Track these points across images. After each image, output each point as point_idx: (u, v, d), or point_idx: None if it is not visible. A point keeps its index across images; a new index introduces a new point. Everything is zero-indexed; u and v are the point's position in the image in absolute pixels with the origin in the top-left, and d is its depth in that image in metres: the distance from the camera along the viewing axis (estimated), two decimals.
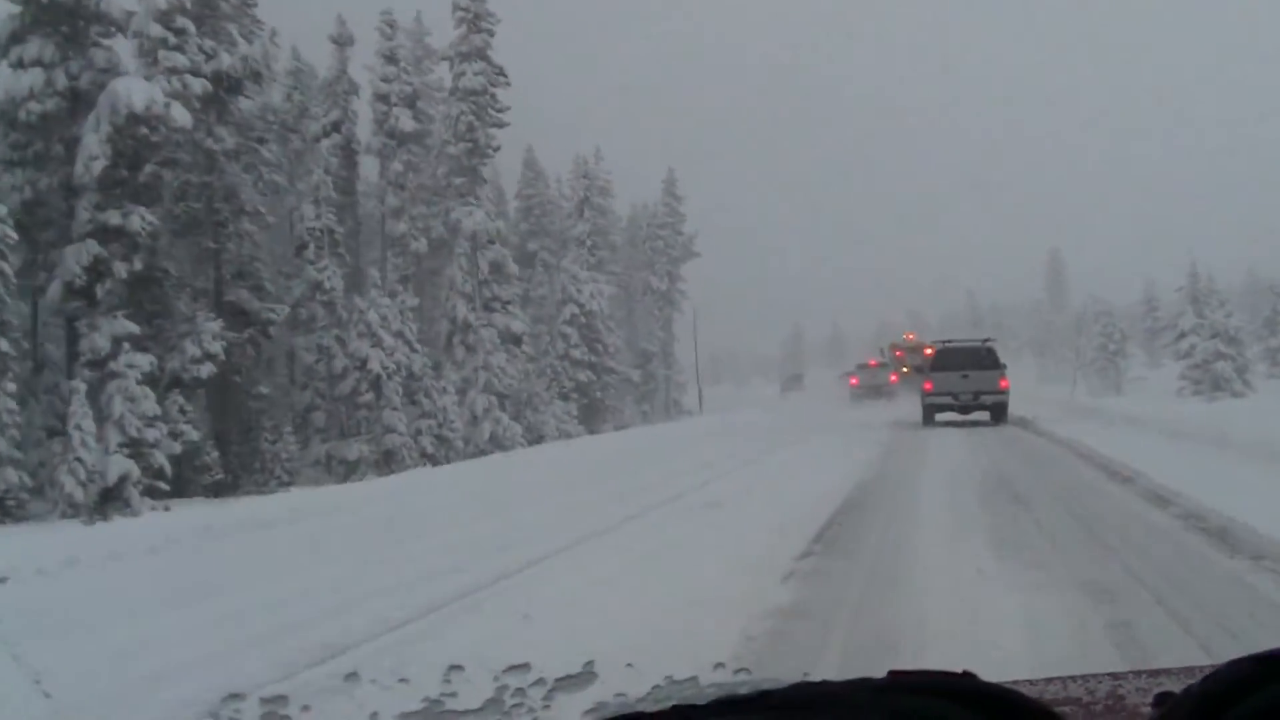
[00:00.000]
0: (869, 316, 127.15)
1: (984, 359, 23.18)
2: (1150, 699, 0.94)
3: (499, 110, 32.13)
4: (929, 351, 43.79)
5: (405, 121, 31.57)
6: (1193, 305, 34.56)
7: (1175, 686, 0.88)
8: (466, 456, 27.52)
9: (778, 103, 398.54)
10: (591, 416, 41.85)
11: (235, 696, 1.32)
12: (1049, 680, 1.12)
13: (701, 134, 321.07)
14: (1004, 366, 23.32)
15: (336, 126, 32.82)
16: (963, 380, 22.96)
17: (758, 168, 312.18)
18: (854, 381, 47.54)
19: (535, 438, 33.33)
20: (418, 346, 28.15)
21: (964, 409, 23.13)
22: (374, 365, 25.46)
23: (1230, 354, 29.25)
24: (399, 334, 27.86)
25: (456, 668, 1.34)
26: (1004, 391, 22.76)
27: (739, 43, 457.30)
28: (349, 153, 33.19)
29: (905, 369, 44.87)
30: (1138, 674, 1.12)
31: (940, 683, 0.75)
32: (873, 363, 48.45)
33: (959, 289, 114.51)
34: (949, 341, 25.68)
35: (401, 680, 1.85)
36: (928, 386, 24.05)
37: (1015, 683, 0.92)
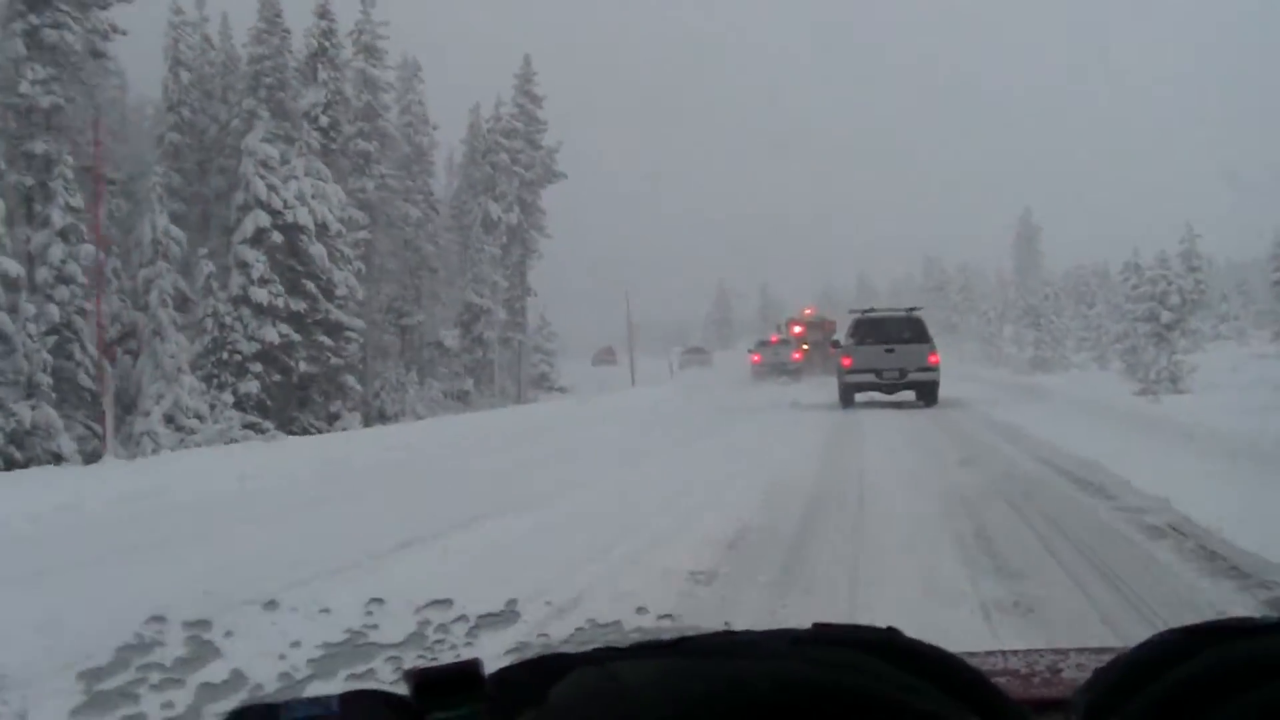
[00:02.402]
0: (813, 283, 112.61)
1: (911, 331, 21.53)
2: (1089, 675, 0.90)
3: None
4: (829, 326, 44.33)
5: None
6: None
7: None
8: None
9: (700, 42, 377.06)
10: (284, 409, 24.78)
11: (158, 619, 1.17)
12: (989, 653, 1.12)
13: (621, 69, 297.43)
14: (933, 340, 21.46)
15: None
16: (887, 355, 21.07)
17: (692, 116, 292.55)
18: (756, 359, 44.35)
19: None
20: None
21: (889, 388, 21.27)
22: None
23: None
24: None
25: (378, 600, 1.26)
26: (934, 368, 21.09)
27: None
28: None
29: (805, 346, 43.74)
30: (1080, 651, 1.14)
31: (863, 636, 0.75)
32: (774, 339, 46.62)
33: (915, 254, 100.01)
34: (869, 311, 23.06)
35: (323, 611, 1.88)
36: (846, 362, 21.68)
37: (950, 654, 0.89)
